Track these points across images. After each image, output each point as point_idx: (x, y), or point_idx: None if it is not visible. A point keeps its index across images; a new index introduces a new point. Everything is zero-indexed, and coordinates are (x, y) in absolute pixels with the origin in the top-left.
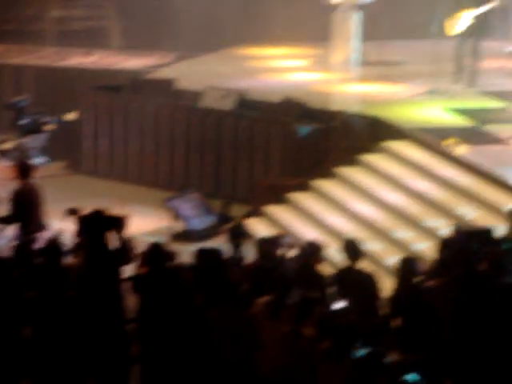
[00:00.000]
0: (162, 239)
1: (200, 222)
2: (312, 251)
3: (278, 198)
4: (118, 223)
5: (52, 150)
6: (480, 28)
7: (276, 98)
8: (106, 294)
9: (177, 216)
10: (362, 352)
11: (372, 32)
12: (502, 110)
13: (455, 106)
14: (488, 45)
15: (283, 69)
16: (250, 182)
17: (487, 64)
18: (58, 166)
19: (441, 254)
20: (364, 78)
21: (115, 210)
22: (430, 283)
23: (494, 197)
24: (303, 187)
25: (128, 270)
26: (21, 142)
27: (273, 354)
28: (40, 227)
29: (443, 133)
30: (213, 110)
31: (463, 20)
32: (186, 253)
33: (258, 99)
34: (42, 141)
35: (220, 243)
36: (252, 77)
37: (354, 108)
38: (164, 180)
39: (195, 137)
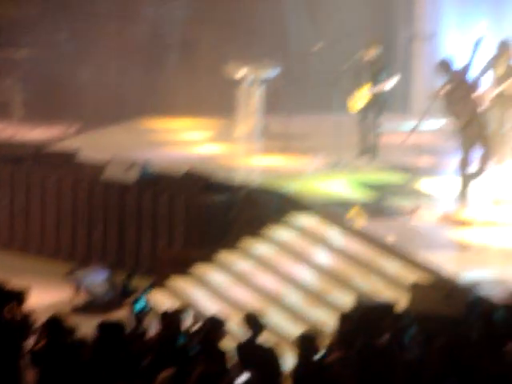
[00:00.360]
0: (62, 312)
1: (102, 295)
2: (215, 325)
3: (182, 270)
4: (17, 296)
5: None
6: (381, 103)
7: (180, 170)
8: (4, 369)
9: (79, 288)
10: None
11: (276, 105)
12: (404, 183)
13: (358, 180)
14: (390, 119)
15: (187, 141)
16: (154, 253)
17: (389, 138)
18: None
19: (342, 328)
20: (268, 151)
21: (15, 282)
22: (331, 358)
23: (396, 270)
24: (207, 259)
25: (28, 344)
26: None
27: None
28: None
29: (346, 206)
30: (116, 181)
31: (364, 95)
32: (87, 326)
33: (162, 171)
34: None
35: (122, 316)
36: (156, 149)
37: (258, 180)
38: (66, 251)
39: (98, 208)
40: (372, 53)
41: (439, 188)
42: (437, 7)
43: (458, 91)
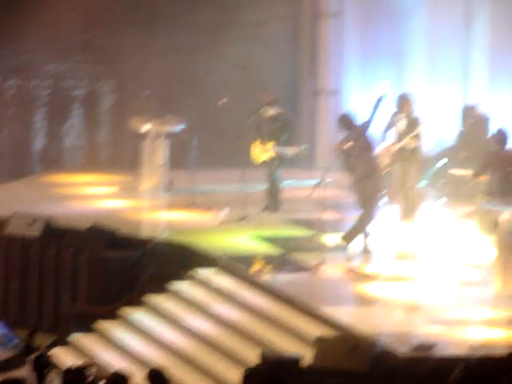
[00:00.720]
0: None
1: (3, 352)
2: (118, 381)
3: (85, 326)
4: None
5: None
6: (283, 159)
7: (84, 225)
8: None
9: None
10: None
11: (181, 160)
12: (309, 238)
13: (263, 234)
14: (295, 174)
15: (92, 196)
16: (57, 310)
17: (294, 193)
18: None
19: (247, 383)
20: (173, 206)
21: None
22: None
23: (301, 325)
24: (111, 315)
25: None
26: None
27: None
28: None
29: (251, 260)
30: (19, 236)
31: (267, 151)
32: None
33: (66, 226)
34: None
35: (24, 374)
36: (59, 203)
37: (163, 235)
38: None
39: (0, 264)
40: (274, 109)
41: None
42: (340, 64)
43: (356, 146)
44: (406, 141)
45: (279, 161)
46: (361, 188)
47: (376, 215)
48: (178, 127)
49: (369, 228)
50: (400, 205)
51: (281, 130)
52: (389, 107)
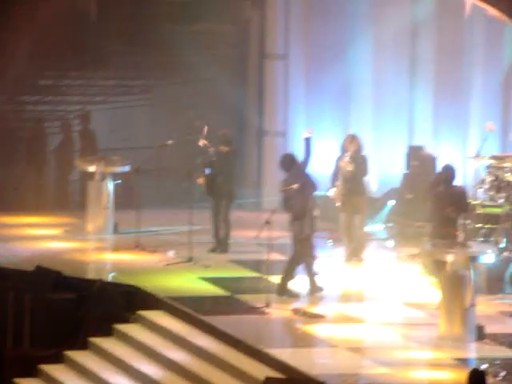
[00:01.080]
0: None
1: None
2: None
3: (30, 370)
4: None
5: None
6: (231, 200)
7: (29, 267)
8: None
9: None
10: None
11: (127, 201)
12: (256, 279)
13: (210, 276)
14: (242, 214)
15: (37, 237)
16: (0, 353)
17: (242, 233)
18: None
19: None
20: (119, 247)
21: None
22: None
23: (248, 367)
24: (56, 358)
25: None
26: None
27: None
28: None
29: (198, 302)
30: None
31: (216, 188)
32: None
33: (10, 268)
34: None
35: None
36: (4, 245)
37: (109, 276)
38: None
39: None
40: (224, 149)
41: (290, 284)
42: (287, 105)
43: (296, 187)
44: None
45: (228, 199)
46: (292, 230)
47: (314, 257)
48: (124, 168)
49: (316, 268)
50: (346, 246)
51: (231, 168)
52: (334, 151)
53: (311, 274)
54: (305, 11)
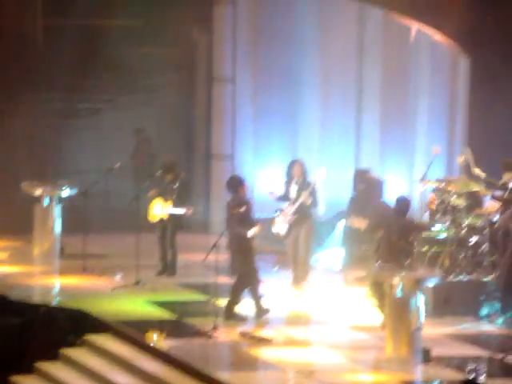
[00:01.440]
0: None
1: None
2: None
3: None
4: None
5: None
6: (177, 223)
7: None
8: None
9: None
10: None
11: (74, 225)
12: (204, 302)
13: (157, 299)
14: (189, 238)
15: None
16: None
17: (189, 256)
18: None
19: None
20: (66, 271)
21: None
22: None
23: None
24: (3, 383)
25: None
26: None
27: None
28: None
29: (145, 326)
30: None
31: (162, 211)
32: None
33: None
34: None
35: None
36: None
37: (55, 300)
38: None
39: None
40: (172, 176)
41: (237, 307)
42: (234, 128)
43: (238, 210)
44: (301, 199)
45: (175, 223)
46: (233, 253)
47: (259, 280)
48: (71, 192)
49: (262, 291)
50: (292, 270)
51: (179, 192)
52: (281, 175)
53: (257, 297)
54: (252, 36)
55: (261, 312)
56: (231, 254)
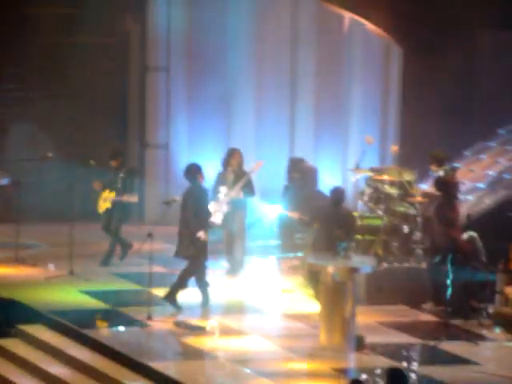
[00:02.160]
0: None
1: None
2: None
3: None
4: None
5: None
6: (120, 212)
7: None
8: None
9: None
10: None
11: (5, 214)
12: (138, 292)
13: (91, 289)
14: (123, 227)
15: None
16: None
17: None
18: None
19: None
20: None
21: None
22: None
23: (131, 380)
24: None
25: None
26: None
27: None
28: None
29: (79, 315)
30: None
31: (107, 201)
32: None
33: None
34: None
35: None
36: None
37: None
38: None
39: None
40: (113, 163)
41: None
42: (169, 117)
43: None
44: (233, 193)
45: (119, 212)
46: (183, 238)
47: (205, 268)
48: (3, 181)
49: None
50: (227, 259)
51: (124, 181)
52: (216, 164)
53: (204, 286)
54: (185, 24)
55: (206, 301)
56: (180, 238)
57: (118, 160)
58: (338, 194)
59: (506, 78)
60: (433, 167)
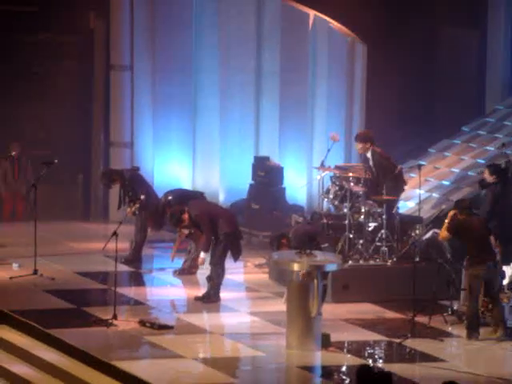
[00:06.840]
0: None
1: None
2: None
3: None
4: None
5: None
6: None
7: None
8: None
9: None
10: None
11: None
12: (103, 291)
13: (56, 288)
14: (88, 226)
15: None
16: None
17: (88, 245)
18: None
19: None
20: None
21: None
22: None
23: (96, 380)
24: None
25: None
26: None
27: None
28: None
29: (43, 315)
30: None
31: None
32: None
33: None
34: None
35: None
36: None
37: None
38: None
39: None
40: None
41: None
42: (133, 116)
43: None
44: None
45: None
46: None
47: None
48: None
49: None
50: (187, 257)
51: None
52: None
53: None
54: (149, 22)
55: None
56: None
57: (115, 183)
58: None
59: (467, 76)
60: (357, 145)
